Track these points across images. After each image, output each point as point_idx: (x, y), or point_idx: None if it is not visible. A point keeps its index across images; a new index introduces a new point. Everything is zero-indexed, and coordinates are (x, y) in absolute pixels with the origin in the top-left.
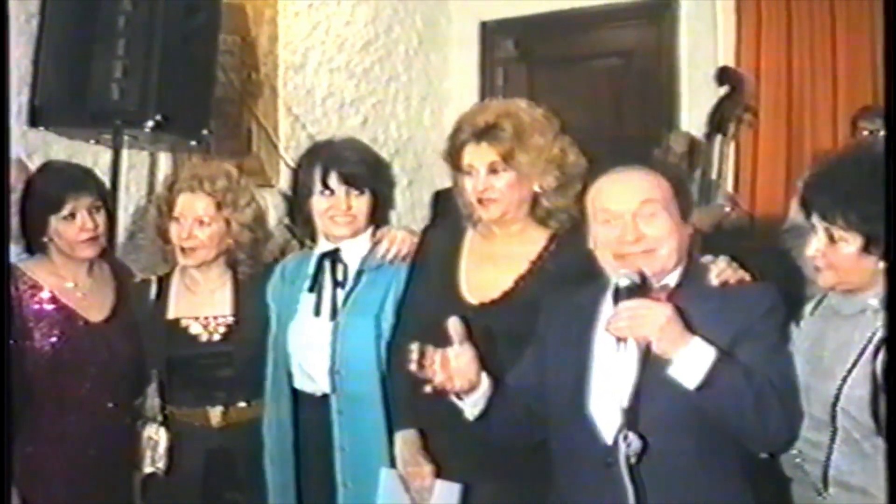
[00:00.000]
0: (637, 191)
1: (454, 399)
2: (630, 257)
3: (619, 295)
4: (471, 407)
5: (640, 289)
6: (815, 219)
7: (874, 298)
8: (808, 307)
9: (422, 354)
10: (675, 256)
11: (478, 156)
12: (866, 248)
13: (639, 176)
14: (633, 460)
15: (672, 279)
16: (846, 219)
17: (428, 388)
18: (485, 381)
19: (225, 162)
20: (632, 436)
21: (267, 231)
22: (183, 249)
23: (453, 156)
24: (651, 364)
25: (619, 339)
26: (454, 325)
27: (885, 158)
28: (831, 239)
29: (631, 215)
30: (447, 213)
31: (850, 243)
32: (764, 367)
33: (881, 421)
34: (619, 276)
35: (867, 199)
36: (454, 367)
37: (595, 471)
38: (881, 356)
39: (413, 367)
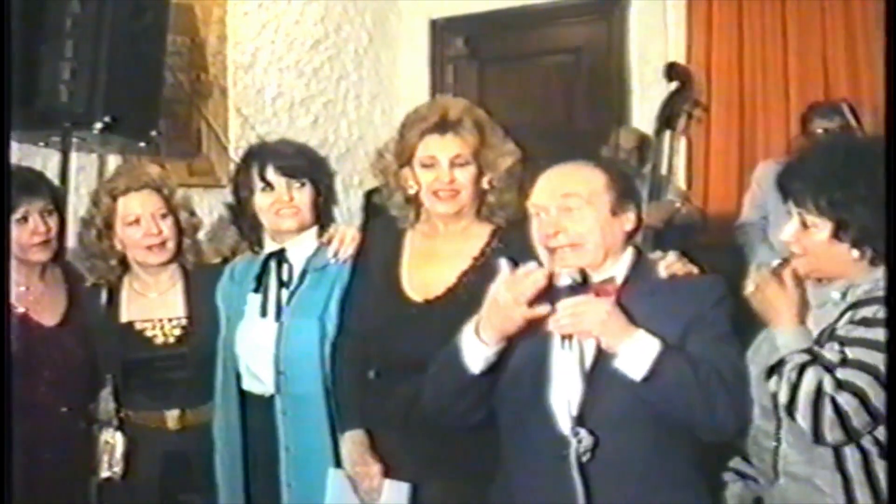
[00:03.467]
0: (561, 185)
1: None
2: (559, 251)
3: (560, 293)
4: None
5: (582, 286)
6: (790, 204)
7: (836, 292)
8: None
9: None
10: (602, 251)
11: (441, 148)
12: (836, 235)
13: (569, 170)
14: (584, 458)
15: (619, 273)
16: (816, 204)
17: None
18: None
19: (173, 162)
20: (583, 432)
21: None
22: (150, 248)
23: (407, 148)
24: (600, 359)
25: (563, 337)
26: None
27: (885, 159)
28: (804, 225)
29: (555, 209)
30: (380, 211)
31: (821, 229)
32: (713, 356)
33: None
34: (561, 275)
35: (838, 186)
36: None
37: (549, 462)
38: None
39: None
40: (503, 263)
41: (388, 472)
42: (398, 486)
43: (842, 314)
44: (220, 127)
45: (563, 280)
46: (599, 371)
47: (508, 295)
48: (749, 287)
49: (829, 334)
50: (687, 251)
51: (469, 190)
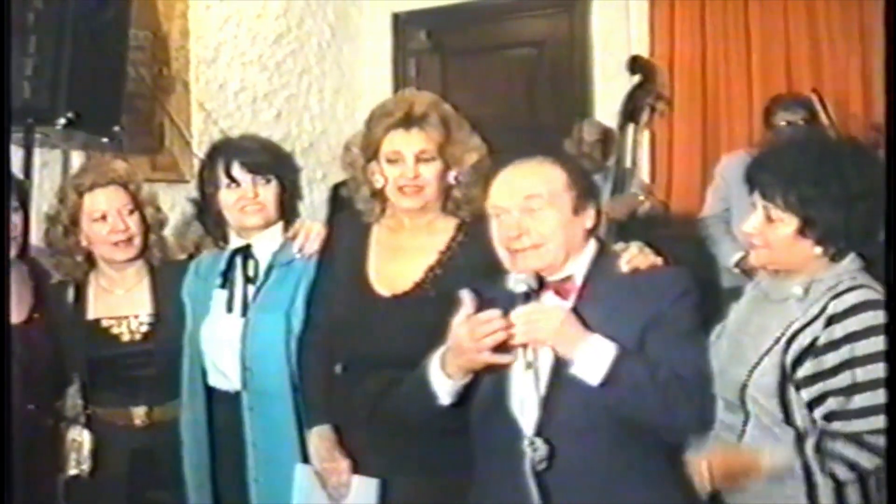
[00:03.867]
0: (522, 186)
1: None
2: (520, 253)
3: (515, 300)
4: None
5: (537, 292)
6: (755, 196)
7: (798, 287)
8: (749, 286)
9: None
10: (563, 251)
11: (406, 143)
12: (802, 231)
13: (529, 169)
14: (539, 467)
15: (579, 270)
16: (785, 199)
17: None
18: None
19: (136, 158)
20: (538, 441)
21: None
22: (116, 244)
23: (372, 143)
24: (558, 367)
25: (521, 346)
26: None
27: (886, 159)
28: (769, 218)
29: (518, 210)
30: (347, 204)
31: (787, 224)
32: (673, 356)
33: (790, 409)
34: (516, 283)
35: (808, 183)
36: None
37: (508, 469)
38: (794, 347)
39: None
40: (466, 297)
41: (356, 468)
42: (367, 482)
43: (814, 318)
44: (183, 122)
45: (519, 287)
46: (558, 379)
47: (469, 340)
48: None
49: (807, 348)
50: (650, 243)
51: (434, 185)
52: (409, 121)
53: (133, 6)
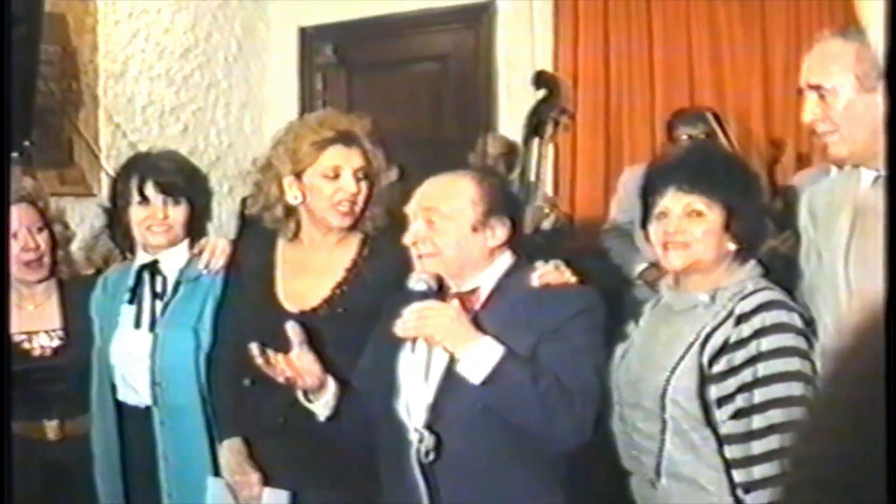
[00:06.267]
0: (428, 197)
1: (304, 402)
2: (421, 258)
3: (412, 297)
4: (322, 408)
5: (437, 293)
6: (670, 196)
7: (704, 294)
8: (648, 306)
9: (264, 352)
10: (457, 263)
11: (347, 159)
12: (727, 224)
13: (442, 182)
14: (426, 457)
15: (487, 282)
16: (712, 188)
17: (281, 379)
18: (332, 383)
19: (45, 172)
20: (424, 432)
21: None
22: (28, 264)
23: (304, 158)
24: (450, 364)
25: (411, 341)
26: (293, 328)
27: (886, 162)
28: (689, 214)
29: (421, 219)
30: (255, 221)
31: (711, 215)
32: (561, 367)
33: (710, 411)
34: (416, 281)
35: (731, 175)
36: (299, 367)
37: (400, 468)
38: (708, 348)
39: (259, 361)
40: (290, 330)
41: (267, 481)
42: (277, 494)
43: (724, 320)
44: (92, 136)
45: (418, 286)
46: (448, 375)
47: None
48: None
49: (720, 347)
50: (557, 257)
51: (362, 205)
52: (349, 138)
53: (44, 21)
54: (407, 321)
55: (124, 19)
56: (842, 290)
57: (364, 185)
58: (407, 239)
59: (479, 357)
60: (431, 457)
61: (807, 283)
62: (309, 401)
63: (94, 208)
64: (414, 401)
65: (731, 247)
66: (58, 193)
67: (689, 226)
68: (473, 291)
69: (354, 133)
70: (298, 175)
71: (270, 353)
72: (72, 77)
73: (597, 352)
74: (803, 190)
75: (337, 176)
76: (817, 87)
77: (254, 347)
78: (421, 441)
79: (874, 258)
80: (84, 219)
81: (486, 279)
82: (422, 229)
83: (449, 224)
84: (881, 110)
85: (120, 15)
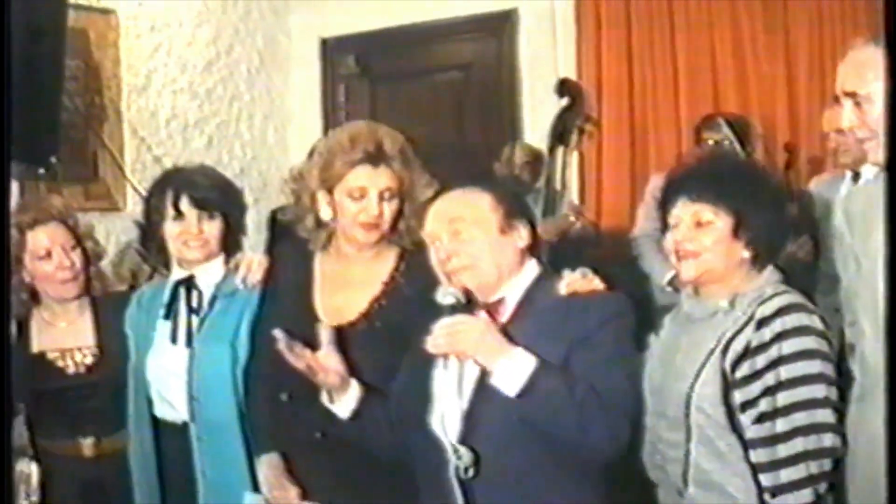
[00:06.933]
0: (447, 211)
1: (326, 402)
2: (454, 275)
3: (442, 312)
4: (343, 408)
5: (466, 306)
6: (680, 206)
7: (724, 301)
8: (668, 317)
9: (288, 342)
10: (495, 269)
11: (373, 180)
12: (735, 232)
13: (454, 197)
14: (465, 473)
15: (515, 292)
16: (718, 197)
17: (301, 366)
18: (355, 384)
19: (71, 187)
20: (462, 449)
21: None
22: (64, 282)
23: (333, 175)
24: (483, 378)
25: (443, 357)
26: (324, 328)
27: (885, 165)
28: (698, 224)
29: (446, 235)
30: (286, 233)
31: (719, 224)
32: (593, 376)
33: (735, 417)
34: (444, 295)
35: (739, 183)
36: (323, 363)
37: (438, 485)
38: (730, 354)
39: (281, 346)
40: (278, 335)
41: (305, 496)
42: None
43: (744, 325)
44: (116, 150)
45: (446, 300)
46: (481, 388)
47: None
48: None
49: (742, 352)
50: (583, 265)
51: (389, 222)
52: (377, 157)
53: (66, 37)
54: (437, 337)
55: (146, 33)
56: (881, 296)
57: (389, 206)
58: (438, 257)
59: (513, 369)
60: (471, 473)
61: (845, 289)
62: (331, 401)
63: (120, 223)
64: (449, 416)
65: (745, 254)
66: (84, 209)
67: (698, 235)
68: (500, 302)
69: (384, 151)
70: (330, 190)
71: (297, 345)
72: (95, 92)
73: (628, 358)
74: (819, 194)
75: (363, 196)
76: (853, 95)
77: (278, 332)
78: (459, 457)
79: None
80: (110, 233)
81: (512, 289)
82: (450, 244)
83: (476, 230)
84: None
85: (141, 29)
